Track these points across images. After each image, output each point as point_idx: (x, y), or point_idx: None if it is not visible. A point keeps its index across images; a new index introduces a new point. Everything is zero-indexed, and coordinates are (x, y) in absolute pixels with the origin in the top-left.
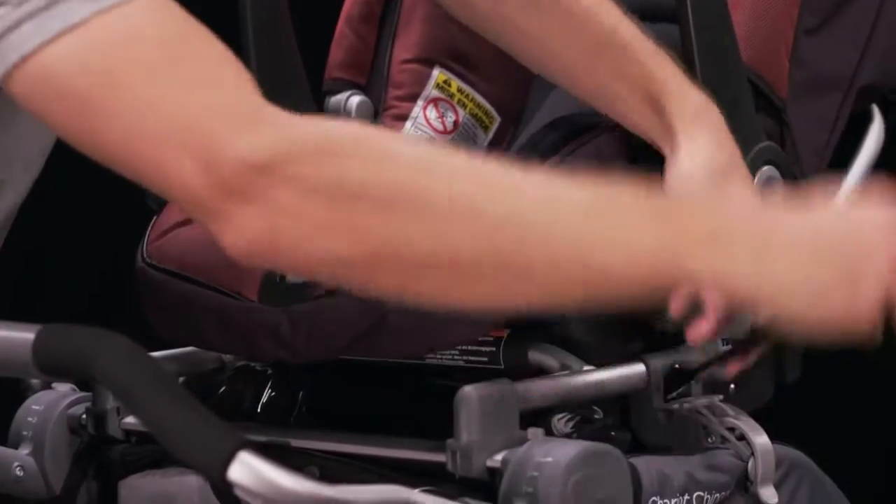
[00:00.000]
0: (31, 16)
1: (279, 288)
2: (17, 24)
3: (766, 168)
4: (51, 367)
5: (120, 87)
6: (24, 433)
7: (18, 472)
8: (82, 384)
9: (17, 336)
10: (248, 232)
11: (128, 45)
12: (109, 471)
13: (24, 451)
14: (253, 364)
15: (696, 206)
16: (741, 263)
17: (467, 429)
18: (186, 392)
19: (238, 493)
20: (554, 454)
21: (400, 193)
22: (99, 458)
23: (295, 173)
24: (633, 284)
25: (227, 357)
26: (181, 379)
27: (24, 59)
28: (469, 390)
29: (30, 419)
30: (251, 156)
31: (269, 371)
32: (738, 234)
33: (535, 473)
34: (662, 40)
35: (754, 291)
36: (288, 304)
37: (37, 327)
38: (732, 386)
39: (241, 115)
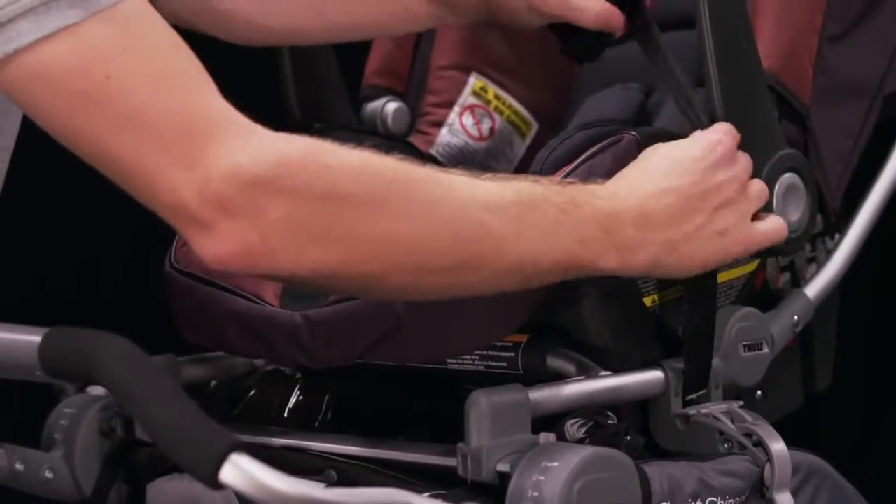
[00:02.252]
0: (28, 11)
1: (298, 293)
2: (13, 18)
3: (787, 175)
4: (56, 369)
5: (114, 92)
6: (56, 436)
7: (48, 475)
8: None
9: (24, 339)
10: (236, 244)
11: (124, 52)
12: (138, 473)
13: (56, 453)
14: (282, 369)
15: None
16: (635, 249)
17: (477, 433)
18: (182, 393)
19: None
20: (561, 459)
21: (381, 201)
22: (128, 460)
23: (285, 186)
24: (553, 275)
25: (258, 362)
26: (213, 383)
27: (18, 52)
28: (479, 395)
29: (62, 422)
30: (243, 169)
31: (298, 375)
32: (625, 221)
33: (541, 477)
34: (682, 48)
35: (649, 262)
36: (307, 308)
37: (43, 330)
38: (759, 393)
39: (232, 129)
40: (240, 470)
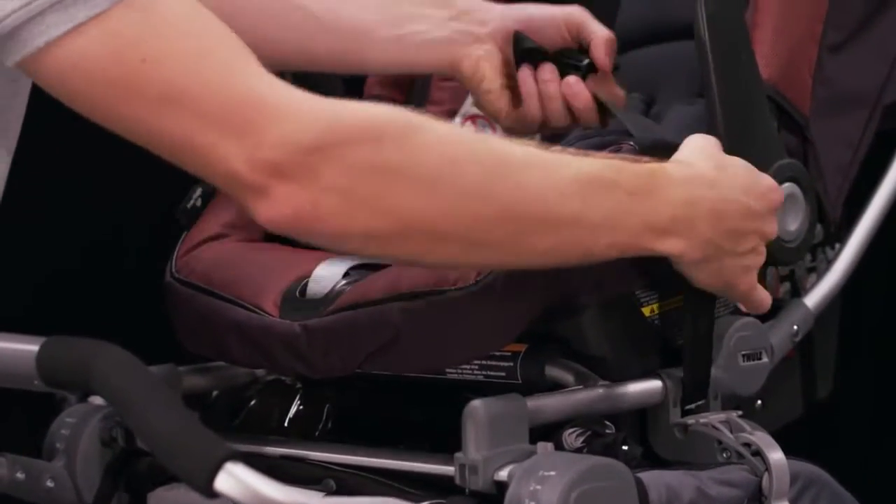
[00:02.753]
0: (56, 3)
1: (298, 303)
2: (42, 12)
3: (786, 185)
4: (54, 378)
5: (153, 74)
6: (58, 445)
7: (49, 484)
8: None
9: (22, 348)
10: (290, 207)
11: (156, 34)
12: (139, 483)
13: (57, 462)
14: (283, 379)
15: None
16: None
17: (475, 443)
18: (179, 403)
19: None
20: (557, 468)
21: (431, 174)
22: (129, 470)
23: (340, 154)
24: (610, 254)
25: (259, 372)
26: (214, 393)
27: (50, 45)
28: (477, 405)
29: (63, 431)
30: (298, 136)
31: (298, 385)
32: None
33: (538, 487)
34: (679, 59)
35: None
36: (306, 319)
37: (42, 339)
38: (759, 402)
39: (278, 96)
40: (235, 479)
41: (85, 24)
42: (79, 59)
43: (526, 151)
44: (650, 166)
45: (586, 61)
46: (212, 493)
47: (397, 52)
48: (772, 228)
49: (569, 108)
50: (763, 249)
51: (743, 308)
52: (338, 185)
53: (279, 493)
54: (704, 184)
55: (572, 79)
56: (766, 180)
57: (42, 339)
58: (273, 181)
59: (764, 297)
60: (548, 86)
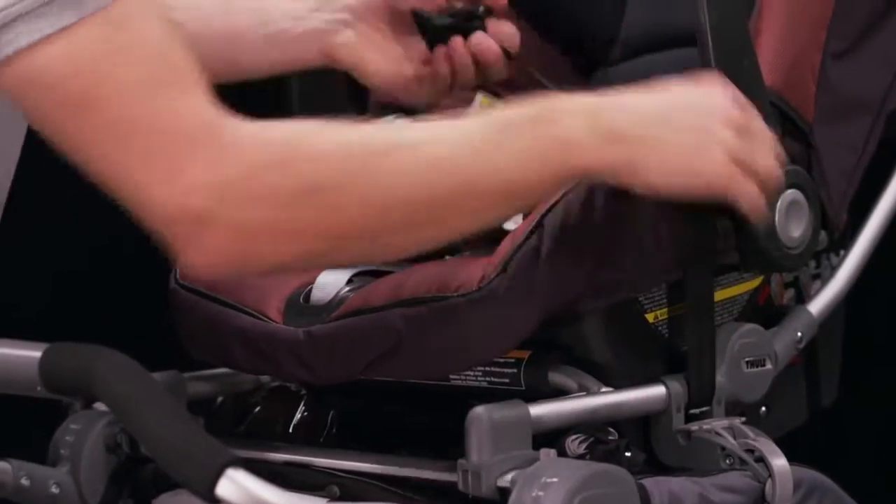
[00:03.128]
0: (26, 14)
1: (301, 310)
2: (12, 21)
3: (789, 192)
4: (56, 385)
5: (103, 99)
6: (62, 451)
7: (54, 490)
8: None
9: (25, 354)
10: (219, 256)
11: (115, 55)
12: (144, 489)
13: (62, 469)
14: (288, 385)
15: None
16: (619, 146)
17: (477, 449)
18: (180, 409)
19: None
20: (560, 474)
21: (351, 179)
22: (134, 476)
23: (258, 190)
24: (537, 189)
25: (264, 378)
26: (219, 399)
27: (17, 55)
28: (480, 411)
29: (68, 438)
30: (217, 179)
31: (303, 392)
32: (608, 117)
33: (541, 493)
34: (685, 66)
35: (633, 164)
36: (310, 325)
37: (44, 346)
38: (763, 409)
39: (211, 136)
40: (236, 485)
41: (51, 37)
42: (40, 73)
43: (427, 127)
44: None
45: (482, 8)
46: (213, 499)
47: (270, 53)
48: (727, 114)
49: (476, 64)
50: (726, 136)
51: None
52: (263, 221)
53: (280, 498)
54: (609, 96)
55: (478, 36)
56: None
57: (45, 346)
58: (200, 229)
59: (751, 190)
60: (461, 57)
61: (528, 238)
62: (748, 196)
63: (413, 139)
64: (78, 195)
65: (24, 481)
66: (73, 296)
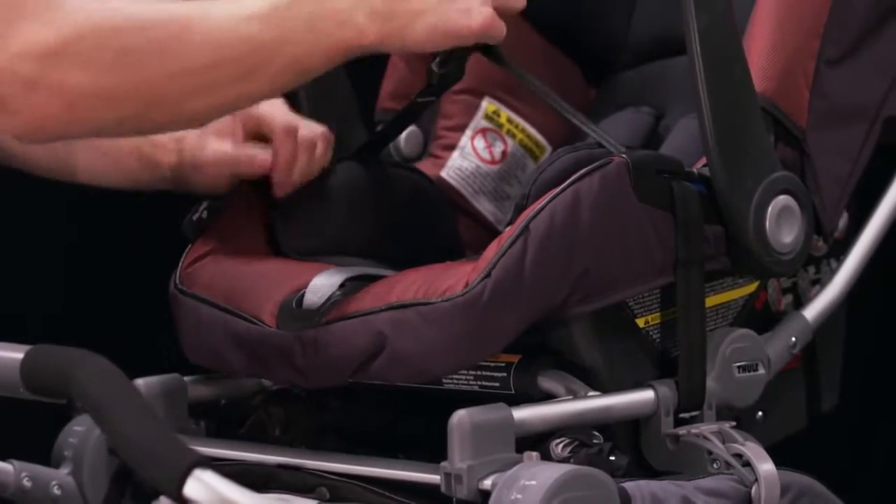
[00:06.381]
0: None
1: (294, 314)
2: None
3: (781, 197)
4: (37, 386)
5: None
6: (65, 453)
7: (56, 491)
8: None
9: (7, 356)
10: (45, 119)
11: None
12: (145, 491)
13: (64, 470)
14: (289, 388)
15: None
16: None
17: (459, 452)
18: (151, 411)
19: None
20: (538, 477)
21: (159, 47)
22: (135, 478)
23: (81, 54)
24: (321, 57)
25: (266, 381)
26: (222, 402)
27: None
28: (462, 414)
29: (71, 440)
30: (40, 44)
31: (302, 395)
32: None
33: (519, 496)
34: (678, 73)
35: (402, 34)
36: (301, 329)
37: (26, 348)
38: (760, 413)
39: (33, 3)
40: (203, 485)
41: None
42: None
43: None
44: None
45: None
46: (181, 499)
47: (101, 163)
48: None
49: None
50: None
51: None
52: (83, 84)
53: (247, 498)
54: None
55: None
56: None
57: (27, 348)
58: (24, 92)
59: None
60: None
61: (513, 243)
62: (503, 32)
63: (213, 11)
64: (78, 196)
65: (27, 482)
66: (77, 299)
